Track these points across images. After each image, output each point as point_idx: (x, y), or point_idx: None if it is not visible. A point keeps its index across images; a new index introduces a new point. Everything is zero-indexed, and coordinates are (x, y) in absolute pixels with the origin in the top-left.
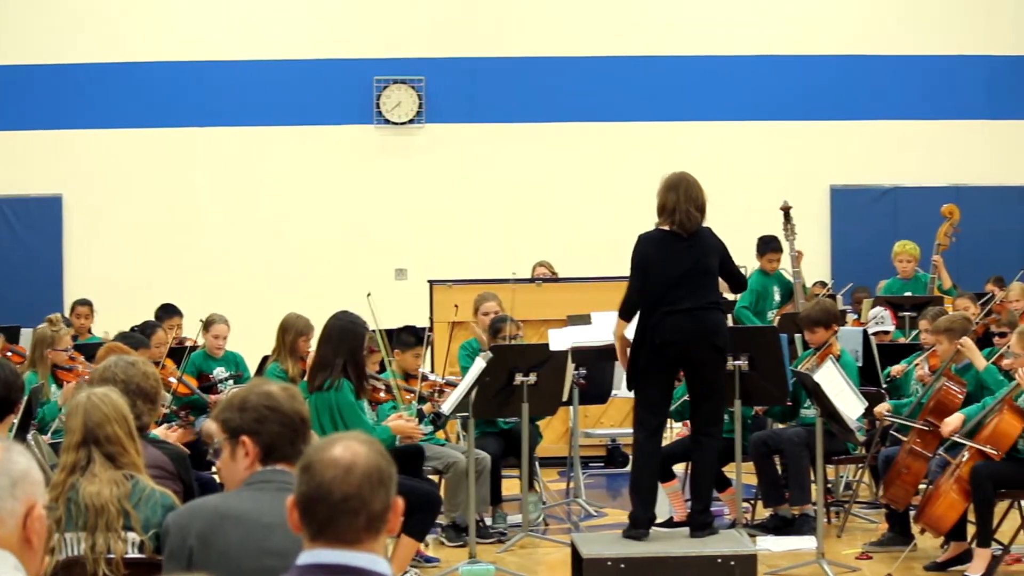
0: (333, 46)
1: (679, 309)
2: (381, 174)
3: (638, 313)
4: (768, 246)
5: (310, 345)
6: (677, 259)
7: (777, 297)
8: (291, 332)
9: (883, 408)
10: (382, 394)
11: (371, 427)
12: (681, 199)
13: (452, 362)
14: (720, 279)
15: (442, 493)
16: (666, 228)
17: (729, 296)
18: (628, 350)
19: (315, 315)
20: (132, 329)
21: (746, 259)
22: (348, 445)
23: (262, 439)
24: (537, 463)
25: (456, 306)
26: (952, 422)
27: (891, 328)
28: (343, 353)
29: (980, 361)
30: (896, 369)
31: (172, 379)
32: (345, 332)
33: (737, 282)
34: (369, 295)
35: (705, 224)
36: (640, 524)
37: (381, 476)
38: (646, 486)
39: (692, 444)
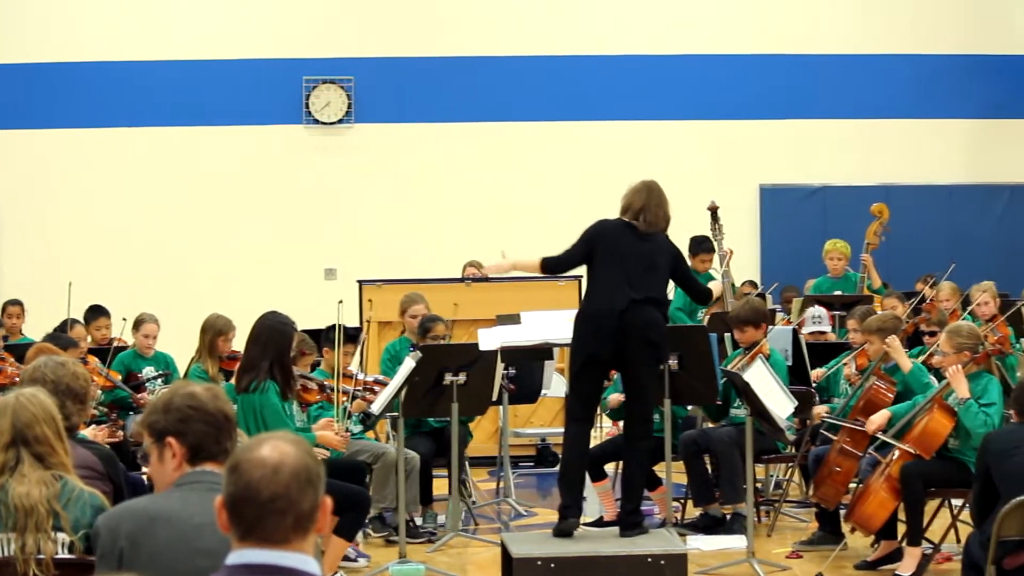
0: (262, 46)
1: (625, 293)
2: (310, 174)
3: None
4: (701, 246)
5: (230, 344)
6: (628, 247)
7: None
8: (210, 332)
9: (821, 410)
10: (316, 396)
11: (293, 427)
12: (652, 203)
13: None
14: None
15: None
16: (627, 220)
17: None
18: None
19: (245, 315)
20: (56, 329)
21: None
22: (276, 445)
23: (187, 439)
24: (467, 463)
25: (370, 300)
26: (877, 419)
27: (828, 328)
28: (270, 354)
29: (906, 363)
30: (816, 374)
31: (96, 376)
32: (273, 333)
33: (699, 293)
34: (340, 302)
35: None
36: (569, 514)
37: (309, 476)
38: (574, 475)
39: (623, 443)
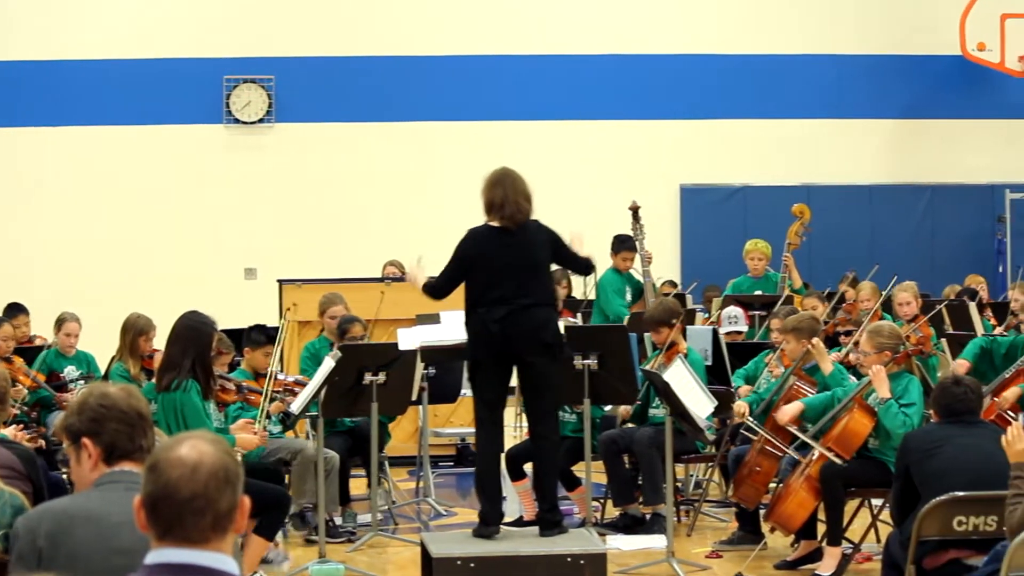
0: (182, 45)
1: (505, 304)
2: (231, 173)
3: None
4: (623, 244)
5: (151, 344)
6: (504, 254)
7: (628, 296)
8: (131, 332)
9: (742, 408)
10: (233, 396)
11: (212, 427)
12: (508, 192)
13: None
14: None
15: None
16: (495, 224)
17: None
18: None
19: (165, 315)
20: None
21: (598, 258)
22: (195, 444)
23: (102, 439)
24: (386, 462)
25: (294, 304)
26: (790, 410)
27: (744, 328)
28: (191, 353)
29: (827, 366)
30: (743, 390)
31: (21, 376)
32: (194, 332)
33: (580, 265)
34: (288, 310)
35: (534, 217)
36: (490, 521)
37: (228, 475)
38: (490, 483)
39: (531, 444)
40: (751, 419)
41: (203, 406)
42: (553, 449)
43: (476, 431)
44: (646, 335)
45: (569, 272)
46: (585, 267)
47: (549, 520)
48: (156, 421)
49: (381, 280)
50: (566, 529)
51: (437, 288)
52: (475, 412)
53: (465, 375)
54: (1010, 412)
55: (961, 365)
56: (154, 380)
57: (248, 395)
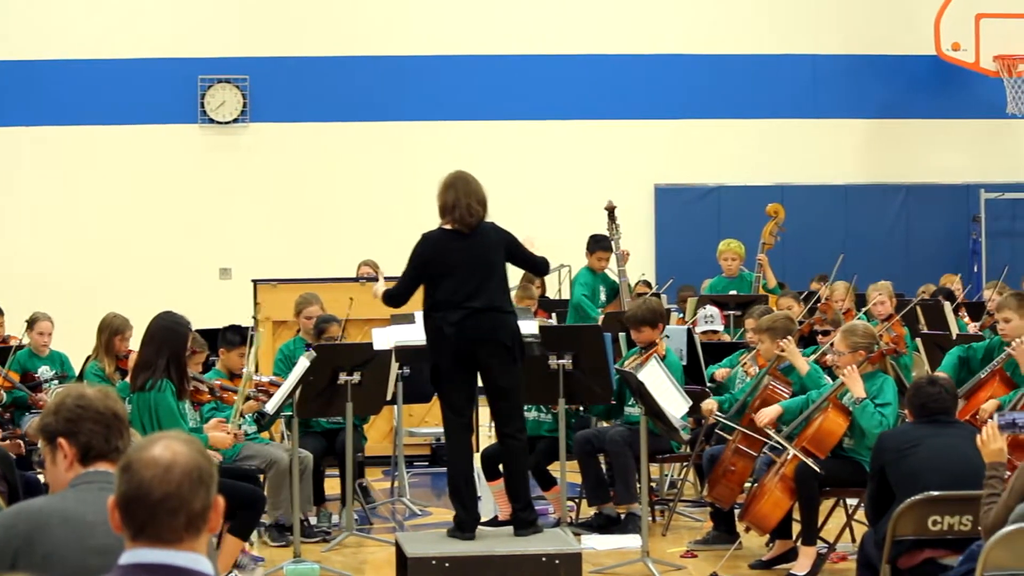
0: (157, 45)
1: (460, 307)
2: (206, 173)
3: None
4: (599, 244)
5: (127, 343)
6: (457, 257)
7: (603, 296)
8: (107, 331)
9: (711, 405)
10: (207, 396)
11: (186, 426)
12: (461, 195)
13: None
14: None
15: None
16: (448, 227)
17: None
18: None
19: (141, 315)
20: None
21: (573, 258)
22: (168, 444)
23: (78, 439)
24: (362, 464)
25: (258, 303)
26: (768, 413)
27: (720, 327)
28: (165, 354)
29: (802, 365)
30: (720, 373)
31: None
32: (168, 332)
33: (535, 265)
34: (254, 321)
35: (490, 220)
36: (465, 527)
37: (201, 475)
38: (464, 488)
39: (500, 446)
40: (722, 416)
41: (178, 406)
42: (521, 449)
43: (445, 437)
44: (621, 334)
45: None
46: (540, 268)
47: (523, 519)
48: (131, 421)
49: (356, 280)
50: (541, 528)
51: (396, 296)
52: (443, 417)
53: None
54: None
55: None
56: (129, 379)
57: (223, 394)
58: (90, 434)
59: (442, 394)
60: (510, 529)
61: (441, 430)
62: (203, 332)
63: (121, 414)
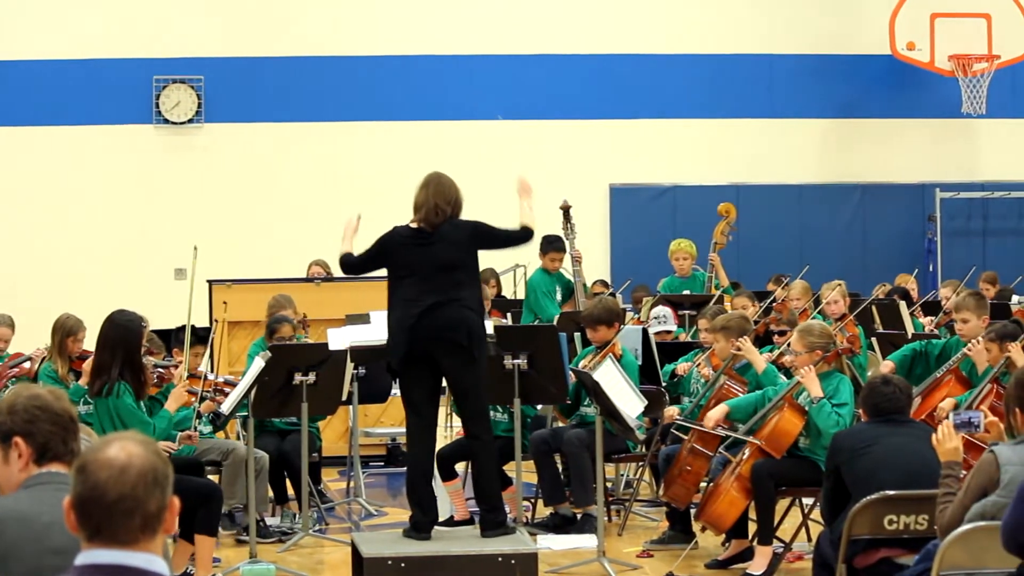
0: (111, 46)
1: (416, 305)
2: (160, 174)
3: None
4: (552, 245)
5: (81, 344)
6: (416, 255)
7: (559, 296)
8: (60, 332)
9: (672, 411)
10: (154, 388)
11: (150, 421)
12: (431, 195)
13: (232, 362)
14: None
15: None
16: (414, 226)
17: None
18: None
19: (95, 315)
20: None
21: (528, 258)
22: (123, 445)
23: (35, 439)
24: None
25: (224, 302)
26: (714, 414)
27: (673, 327)
28: (120, 355)
29: (759, 363)
30: (682, 367)
31: None
32: (121, 331)
33: (508, 239)
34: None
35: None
36: (421, 528)
37: (156, 476)
38: (421, 489)
39: (468, 445)
40: (681, 418)
41: (137, 405)
42: (485, 449)
43: (406, 436)
44: (576, 334)
45: (497, 272)
46: (522, 236)
47: (490, 520)
48: (90, 423)
49: (310, 280)
50: (512, 529)
51: (351, 264)
52: (405, 416)
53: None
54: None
55: (885, 366)
56: (86, 383)
57: (164, 373)
58: (48, 435)
59: (402, 393)
60: (466, 529)
61: (397, 430)
62: (158, 332)
63: (75, 417)
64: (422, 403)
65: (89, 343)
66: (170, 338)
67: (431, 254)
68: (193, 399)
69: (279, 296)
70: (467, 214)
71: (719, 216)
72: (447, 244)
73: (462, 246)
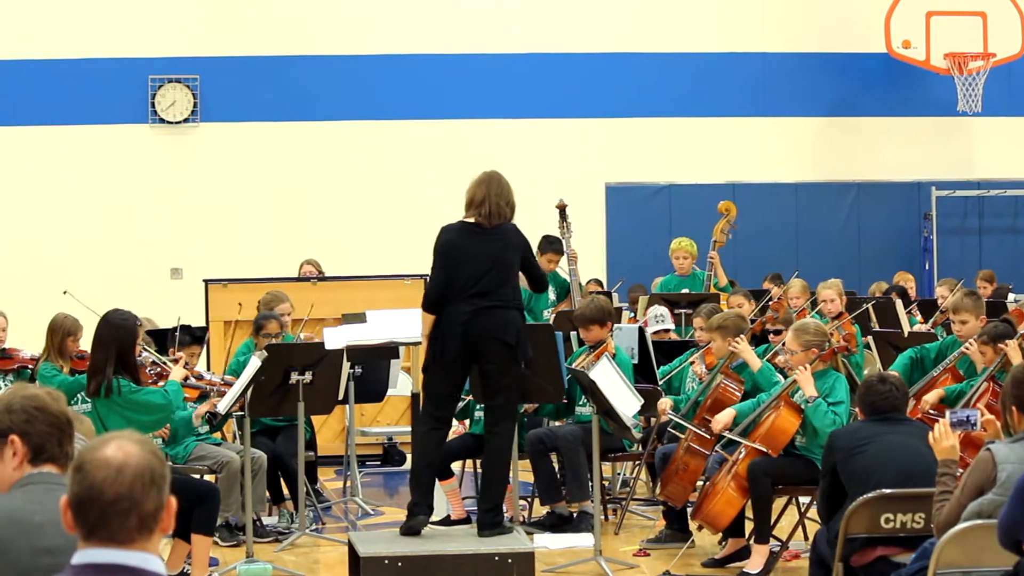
0: (107, 45)
1: (472, 300)
2: (156, 173)
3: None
4: (552, 246)
5: (78, 344)
6: (476, 250)
7: (552, 296)
8: (59, 333)
9: (666, 404)
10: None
11: (158, 390)
12: (492, 193)
13: (229, 361)
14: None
15: None
16: (470, 220)
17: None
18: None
19: (91, 314)
20: None
21: None
22: (121, 445)
23: (31, 439)
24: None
25: (240, 304)
26: (722, 418)
27: (671, 327)
28: (114, 354)
29: (755, 362)
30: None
31: None
32: (116, 330)
33: (537, 281)
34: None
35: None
36: (418, 511)
37: (153, 476)
38: (425, 477)
39: (486, 441)
40: (674, 415)
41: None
42: (500, 450)
43: (420, 424)
44: (572, 333)
45: None
46: (540, 283)
47: (487, 521)
48: (95, 424)
49: (307, 280)
50: (509, 528)
51: (433, 298)
52: (423, 407)
53: (392, 374)
54: (932, 411)
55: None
56: (86, 384)
57: (159, 369)
58: (45, 436)
59: (428, 383)
60: (463, 528)
61: (393, 429)
62: (153, 332)
63: (72, 420)
64: (444, 398)
65: (84, 343)
66: (165, 338)
67: (487, 249)
68: (192, 397)
69: (274, 292)
70: (461, 212)
71: (716, 214)
72: (504, 244)
73: (516, 250)
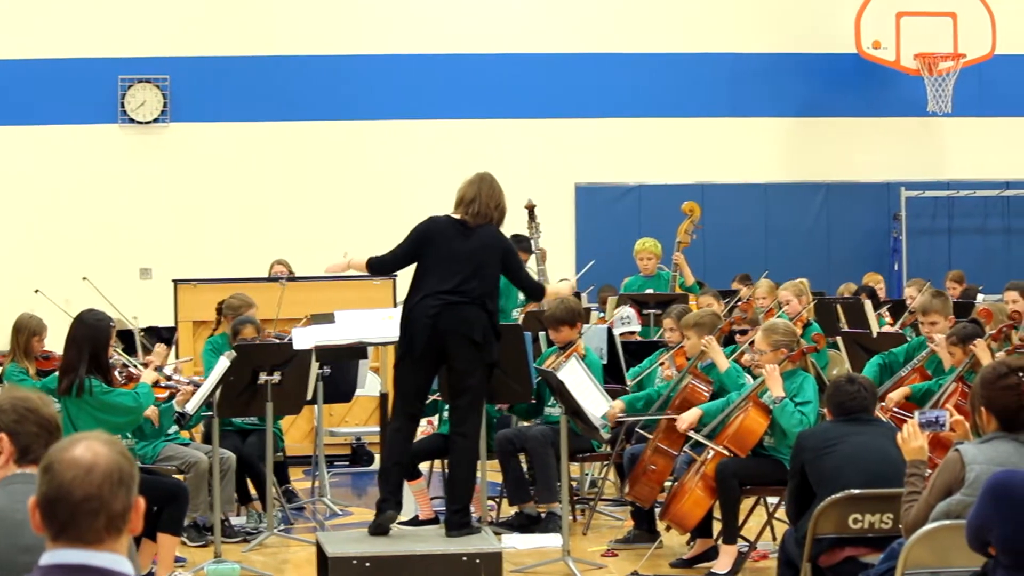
0: (77, 45)
1: (442, 296)
2: (126, 173)
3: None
4: (520, 245)
5: (43, 344)
6: (454, 245)
7: (521, 296)
8: (24, 333)
9: (616, 408)
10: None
11: (129, 392)
12: (482, 193)
13: (197, 361)
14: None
15: None
16: (456, 217)
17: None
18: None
19: (61, 315)
20: None
21: None
22: (89, 445)
23: (20, 439)
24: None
25: (220, 303)
26: (687, 417)
27: (638, 328)
28: (87, 354)
29: (723, 363)
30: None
31: None
32: (90, 330)
33: (531, 289)
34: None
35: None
36: (387, 507)
37: (122, 476)
38: (393, 474)
39: (452, 441)
40: (625, 416)
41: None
42: (466, 450)
43: (390, 421)
44: (540, 333)
45: None
46: (532, 291)
47: (455, 521)
48: (63, 419)
49: (275, 280)
50: (477, 529)
51: (385, 262)
52: (392, 404)
53: (360, 374)
54: (900, 410)
55: None
56: (57, 383)
57: (128, 372)
58: (32, 437)
59: (397, 378)
60: (431, 528)
61: (361, 430)
62: (122, 333)
63: (59, 424)
64: (412, 394)
65: (52, 343)
66: (132, 338)
67: (468, 247)
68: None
69: (239, 295)
70: (431, 212)
71: (683, 215)
72: (484, 244)
73: (496, 253)
